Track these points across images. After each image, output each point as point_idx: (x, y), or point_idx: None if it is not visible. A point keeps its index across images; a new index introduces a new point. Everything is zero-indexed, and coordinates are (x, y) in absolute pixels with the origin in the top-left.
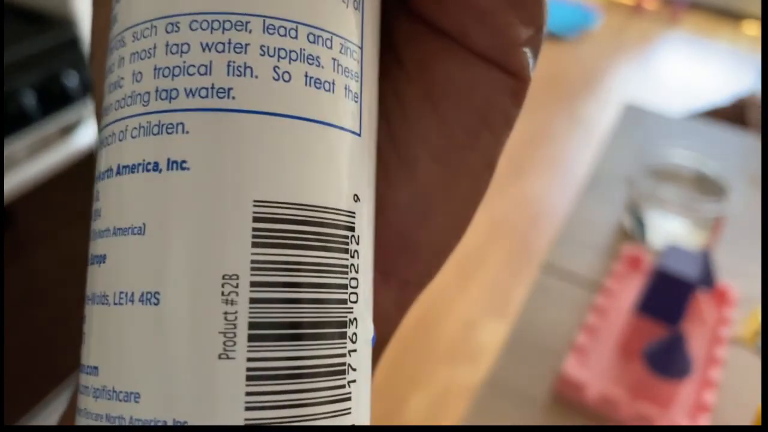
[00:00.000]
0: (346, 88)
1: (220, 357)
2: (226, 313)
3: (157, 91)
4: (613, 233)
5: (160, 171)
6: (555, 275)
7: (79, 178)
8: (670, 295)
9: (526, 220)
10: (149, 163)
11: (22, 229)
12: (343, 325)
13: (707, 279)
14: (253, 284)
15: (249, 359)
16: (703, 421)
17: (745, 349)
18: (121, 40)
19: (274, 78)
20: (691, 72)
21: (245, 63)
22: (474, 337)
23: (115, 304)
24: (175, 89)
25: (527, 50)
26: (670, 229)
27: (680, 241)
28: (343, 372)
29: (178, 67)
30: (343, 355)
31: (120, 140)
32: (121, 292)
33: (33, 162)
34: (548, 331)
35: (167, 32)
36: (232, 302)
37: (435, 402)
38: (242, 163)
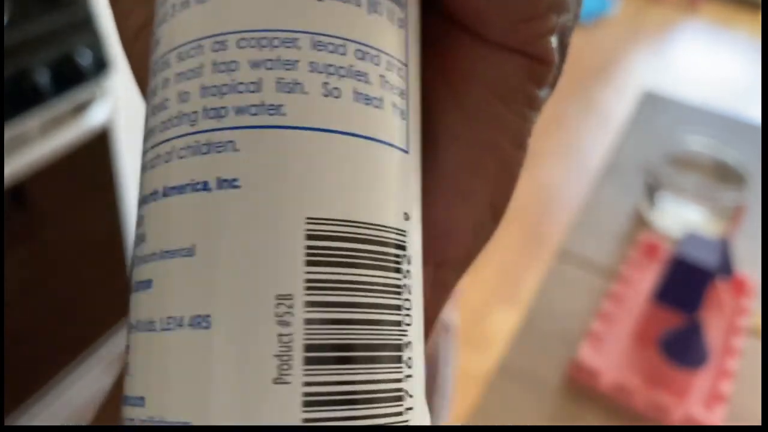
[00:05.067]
0: (393, 105)
1: (275, 381)
2: (280, 335)
3: (205, 110)
4: (630, 221)
5: (210, 190)
6: (570, 262)
7: (92, 156)
8: (688, 283)
9: (540, 207)
10: (198, 183)
11: (34, 207)
12: (399, 348)
13: (726, 268)
14: (307, 304)
15: (305, 383)
16: (719, 411)
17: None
18: (166, 62)
19: (323, 94)
20: (709, 61)
21: (295, 79)
22: (484, 325)
23: (162, 330)
24: (224, 107)
25: (551, 37)
26: (688, 218)
27: (698, 230)
28: (400, 399)
29: (227, 85)
30: (399, 380)
31: (166, 162)
32: (169, 318)
33: (46, 140)
34: (563, 318)
35: (214, 51)
36: (287, 323)
37: None
38: (294, 179)
